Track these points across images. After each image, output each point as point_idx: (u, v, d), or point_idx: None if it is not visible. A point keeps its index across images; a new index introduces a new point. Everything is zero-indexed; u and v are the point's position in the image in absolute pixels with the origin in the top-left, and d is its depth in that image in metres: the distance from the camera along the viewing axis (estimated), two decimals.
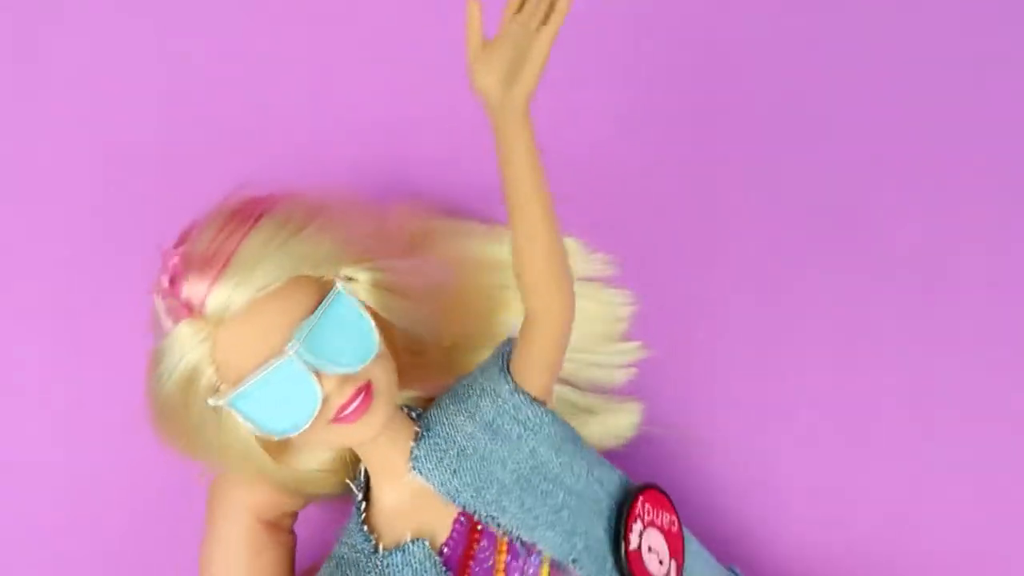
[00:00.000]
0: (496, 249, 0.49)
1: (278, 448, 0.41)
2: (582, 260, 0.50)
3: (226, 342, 0.37)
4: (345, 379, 0.38)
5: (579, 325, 0.45)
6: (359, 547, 0.41)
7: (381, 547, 0.41)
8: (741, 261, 0.55)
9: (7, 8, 0.53)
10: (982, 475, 0.54)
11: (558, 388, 0.49)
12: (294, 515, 0.45)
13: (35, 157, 0.54)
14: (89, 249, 0.53)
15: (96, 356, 0.53)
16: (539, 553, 0.40)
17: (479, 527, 0.41)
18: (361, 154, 0.53)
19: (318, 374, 0.37)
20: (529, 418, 0.42)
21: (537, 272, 0.39)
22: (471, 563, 0.40)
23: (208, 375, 0.37)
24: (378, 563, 0.40)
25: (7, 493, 0.53)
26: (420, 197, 0.51)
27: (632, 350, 0.51)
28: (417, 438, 0.41)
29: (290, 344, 0.36)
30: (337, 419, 0.38)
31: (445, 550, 0.40)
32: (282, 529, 0.44)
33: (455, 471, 0.41)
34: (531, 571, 0.40)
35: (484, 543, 0.40)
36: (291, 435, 0.37)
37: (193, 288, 0.36)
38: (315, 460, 0.43)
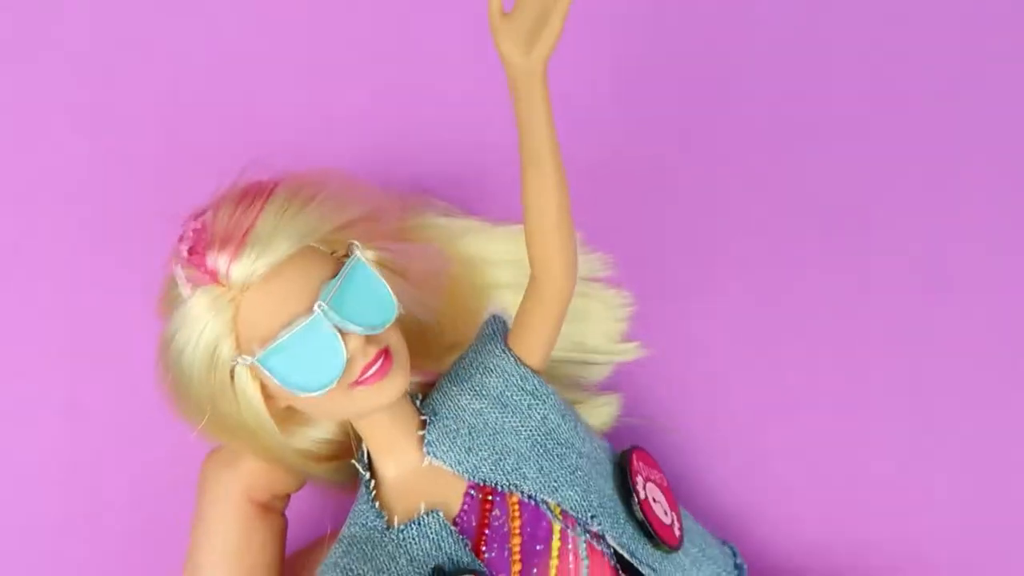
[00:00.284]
0: (491, 247, 0.49)
1: (286, 423, 0.42)
2: (582, 259, 0.50)
3: (249, 307, 0.38)
4: (368, 341, 0.38)
5: (580, 324, 0.48)
6: (371, 524, 0.41)
7: (395, 521, 0.40)
8: (741, 261, 0.55)
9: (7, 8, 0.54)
10: (982, 473, 0.54)
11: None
12: (286, 498, 0.45)
13: (34, 153, 0.54)
14: (88, 247, 0.53)
15: (96, 354, 0.53)
16: (551, 513, 0.41)
17: (491, 496, 0.41)
18: (357, 148, 0.54)
19: (343, 334, 0.38)
20: (536, 388, 0.43)
21: (547, 231, 0.40)
22: (486, 531, 0.40)
23: (231, 341, 0.38)
24: (394, 537, 0.40)
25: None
26: (418, 190, 0.52)
27: (631, 350, 0.51)
28: (425, 424, 0.42)
29: (317, 304, 0.37)
30: (359, 381, 0.39)
31: (460, 520, 0.40)
32: (273, 511, 0.44)
33: (469, 449, 0.41)
34: (544, 534, 0.40)
35: (497, 511, 0.41)
36: (317, 394, 0.38)
37: (216, 258, 0.37)
38: (321, 434, 0.44)
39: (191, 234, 0.38)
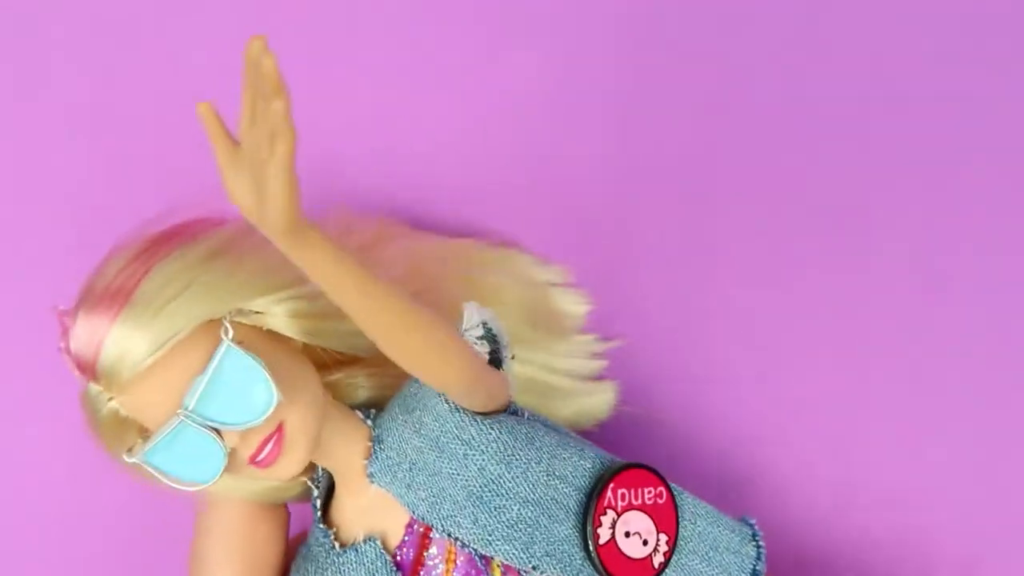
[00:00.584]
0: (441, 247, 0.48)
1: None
2: (539, 270, 0.50)
3: (130, 403, 0.37)
4: (249, 431, 0.36)
5: (540, 325, 0.47)
6: (320, 541, 0.42)
7: (337, 544, 0.41)
8: (741, 261, 0.54)
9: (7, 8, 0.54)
10: (982, 472, 0.53)
11: (534, 372, 0.48)
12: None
13: (34, 153, 0.54)
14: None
15: None
16: (486, 563, 0.39)
17: (431, 534, 0.40)
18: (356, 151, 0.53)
19: (218, 431, 0.36)
20: (473, 437, 0.39)
21: (414, 363, 0.36)
22: (420, 569, 0.40)
23: (127, 428, 0.38)
24: (335, 559, 0.41)
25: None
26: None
27: (589, 342, 0.51)
28: (371, 452, 0.40)
29: (180, 410, 0.36)
30: (252, 463, 0.37)
31: (399, 552, 0.40)
32: (276, 510, 0.45)
33: (409, 485, 0.40)
34: None
35: (433, 550, 0.40)
36: (207, 487, 0.37)
37: (83, 362, 0.36)
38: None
39: (62, 335, 0.37)
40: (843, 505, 0.53)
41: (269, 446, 0.37)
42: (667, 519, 0.41)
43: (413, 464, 0.40)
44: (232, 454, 0.37)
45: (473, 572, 0.40)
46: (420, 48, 0.53)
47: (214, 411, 0.35)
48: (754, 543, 0.44)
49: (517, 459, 0.40)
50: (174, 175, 0.52)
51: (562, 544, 0.39)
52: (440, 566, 0.40)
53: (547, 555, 0.39)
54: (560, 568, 0.39)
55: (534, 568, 0.39)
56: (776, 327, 0.53)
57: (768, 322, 0.53)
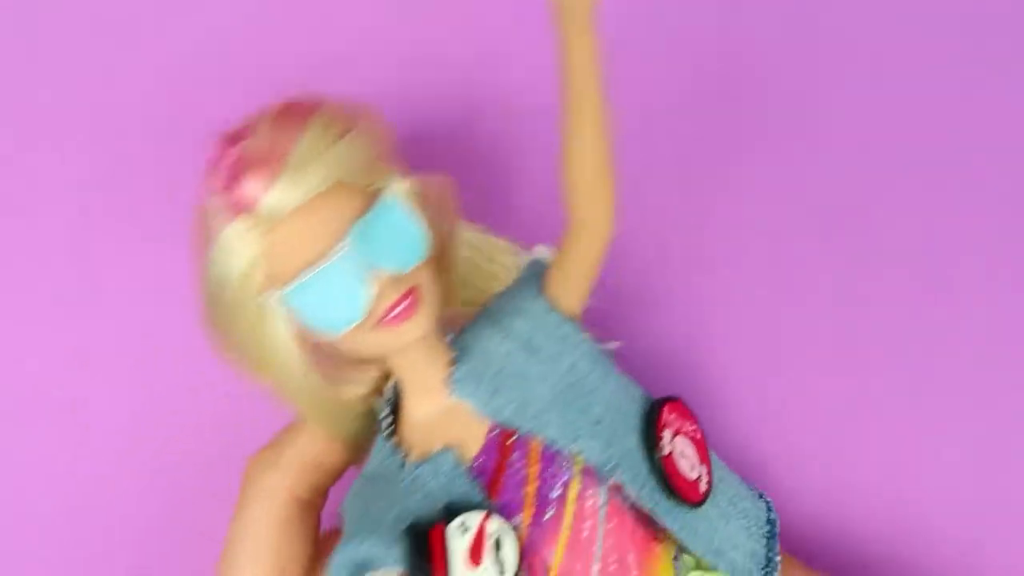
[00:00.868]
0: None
1: (327, 374, 0.42)
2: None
3: (281, 240, 0.37)
4: (394, 280, 0.38)
5: None
6: (387, 461, 0.41)
7: (413, 458, 0.41)
8: (742, 261, 0.55)
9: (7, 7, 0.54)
10: (983, 472, 0.54)
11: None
12: (325, 495, 0.46)
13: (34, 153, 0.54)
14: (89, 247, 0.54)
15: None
16: (571, 462, 0.40)
17: (510, 440, 0.41)
18: None
19: (369, 272, 0.37)
20: (568, 334, 0.42)
21: (585, 178, 0.39)
22: (503, 474, 0.40)
23: (262, 274, 0.38)
24: (408, 473, 0.40)
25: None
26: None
27: None
28: (454, 361, 0.42)
29: (343, 242, 0.37)
30: (384, 321, 0.38)
31: (478, 461, 0.40)
32: (313, 508, 0.45)
33: (495, 390, 0.41)
34: (562, 480, 0.40)
35: (516, 454, 0.40)
36: (341, 332, 0.38)
37: (250, 187, 0.36)
38: (361, 388, 0.43)
39: (224, 165, 0.37)
40: (842, 506, 0.54)
41: (406, 302, 0.38)
42: (704, 454, 0.44)
43: (500, 370, 0.41)
44: (365, 317, 0.37)
45: (557, 473, 0.40)
46: (420, 47, 0.55)
47: (373, 250, 0.37)
48: (763, 500, 0.48)
49: (600, 363, 0.43)
50: (174, 175, 0.51)
51: (631, 453, 0.41)
52: (523, 470, 0.40)
53: (622, 458, 0.41)
54: (631, 476, 0.41)
55: (611, 469, 0.40)
56: (775, 327, 0.55)
57: (767, 322, 0.55)
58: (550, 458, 0.40)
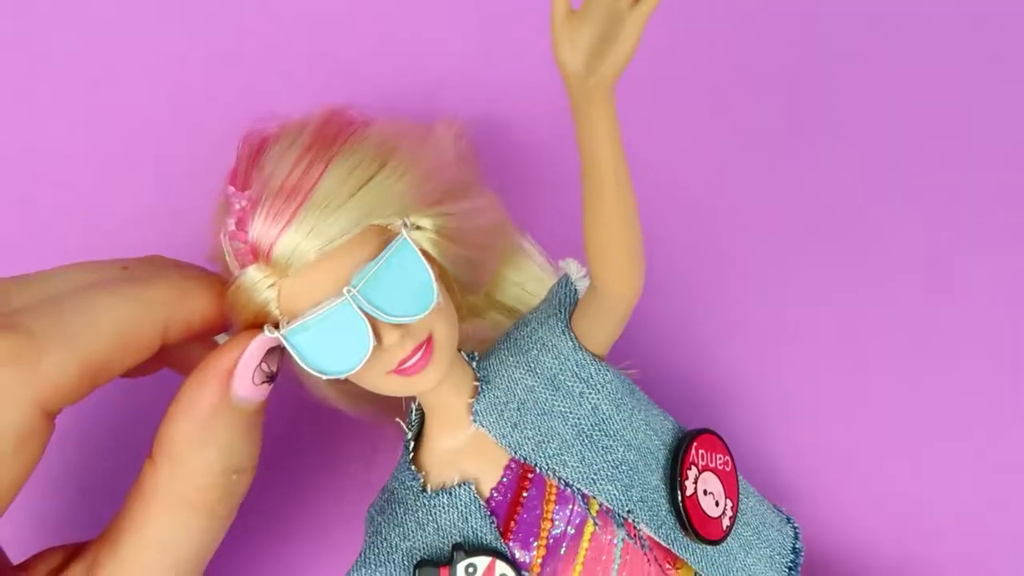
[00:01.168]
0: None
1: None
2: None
3: (292, 287, 0.36)
4: (406, 333, 0.37)
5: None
6: (407, 484, 0.41)
7: (429, 487, 0.40)
8: (742, 261, 0.55)
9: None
10: (984, 475, 0.54)
11: None
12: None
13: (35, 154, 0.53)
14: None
15: None
16: (586, 502, 0.40)
17: (529, 475, 0.40)
18: None
19: (374, 323, 0.36)
20: (592, 376, 0.41)
21: (604, 251, 0.37)
22: (519, 509, 0.40)
23: (277, 307, 0.36)
24: (425, 502, 0.40)
25: None
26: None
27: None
28: (477, 391, 0.41)
29: (347, 288, 0.35)
30: (398, 371, 0.37)
31: (495, 495, 0.40)
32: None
33: (515, 424, 0.40)
34: (578, 520, 0.40)
35: (533, 491, 0.40)
36: (339, 377, 0.36)
37: (264, 235, 0.35)
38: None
39: (238, 208, 0.35)
40: (842, 508, 0.54)
41: (419, 354, 0.37)
42: (731, 487, 0.43)
43: (522, 404, 0.40)
44: (374, 364, 0.36)
45: (573, 512, 0.40)
46: (420, 45, 0.53)
47: (378, 298, 0.35)
48: (791, 525, 0.47)
49: (625, 404, 0.41)
50: (173, 174, 0.52)
51: (652, 493, 0.41)
52: (539, 508, 0.40)
53: (641, 500, 0.40)
54: (649, 516, 0.40)
55: (628, 513, 0.40)
56: (775, 328, 0.54)
57: (767, 323, 0.54)
58: (566, 498, 0.40)
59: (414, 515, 0.40)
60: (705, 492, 0.42)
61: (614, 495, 0.39)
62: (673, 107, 0.55)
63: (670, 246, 0.55)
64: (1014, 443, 0.54)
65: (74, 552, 0.37)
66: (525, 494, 0.40)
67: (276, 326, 0.36)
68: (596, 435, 0.40)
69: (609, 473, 0.40)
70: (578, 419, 0.40)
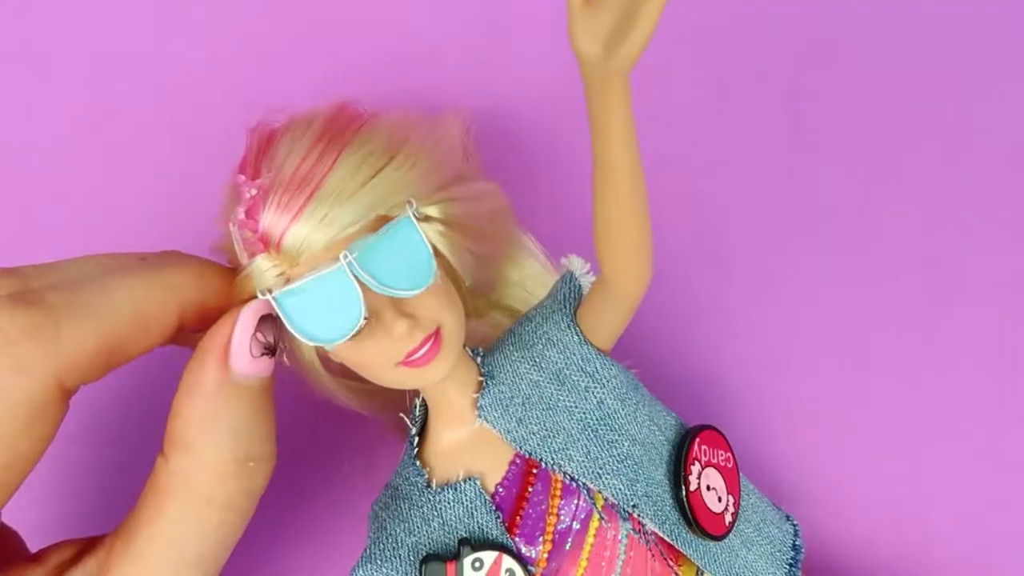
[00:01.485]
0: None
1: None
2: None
3: (298, 272, 0.35)
4: (415, 324, 0.37)
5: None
6: (411, 480, 0.41)
7: (434, 482, 0.40)
8: (743, 261, 0.55)
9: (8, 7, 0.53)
10: (984, 476, 0.54)
11: None
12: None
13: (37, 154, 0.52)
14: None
15: None
16: (592, 497, 0.40)
17: (534, 470, 0.40)
18: None
19: (381, 309, 0.36)
20: (597, 370, 0.41)
21: (615, 239, 0.37)
22: (524, 504, 0.40)
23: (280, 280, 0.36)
24: (430, 498, 0.40)
25: None
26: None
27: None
28: (482, 386, 0.41)
29: (343, 254, 0.35)
30: (406, 362, 0.37)
31: (500, 490, 0.40)
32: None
33: (520, 419, 0.40)
34: (583, 515, 0.40)
35: (538, 486, 0.40)
36: (325, 345, 0.36)
37: (274, 225, 0.35)
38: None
39: (248, 197, 0.35)
40: (842, 508, 0.54)
41: (428, 345, 0.37)
42: (733, 483, 0.44)
43: (527, 399, 0.40)
44: (382, 354, 0.37)
45: (578, 507, 0.40)
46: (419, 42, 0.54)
47: (374, 267, 0.35)
48: (790, 523, 0.47)
49: (629, 399, 0.41)
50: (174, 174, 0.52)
51: (657, 488, 0.41)
52: (544, 503, 0.40)
53: (646, 495, 0.40)
54: (653, 511, 0.40)
55: (633, 507, 0.40)
56: (775, 328, 0.55)
57: (767, 323, 0.55)
58: (572, 492, 0.40)
59: (419, 510, 0.40)
60: (708, 488, 0.42)
61: (619, 489, 0.40)
62: (674, 107, 0.56)
63: (670, 246, 0.54)
64: (1014, 443, 0.54)
65: (88, 546, 0.36)
66: (530, 489, 0.40)
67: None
68: (601, 430, 0.40)
69: (614, 468, 0.40)
70: (583, 414, 0.40)
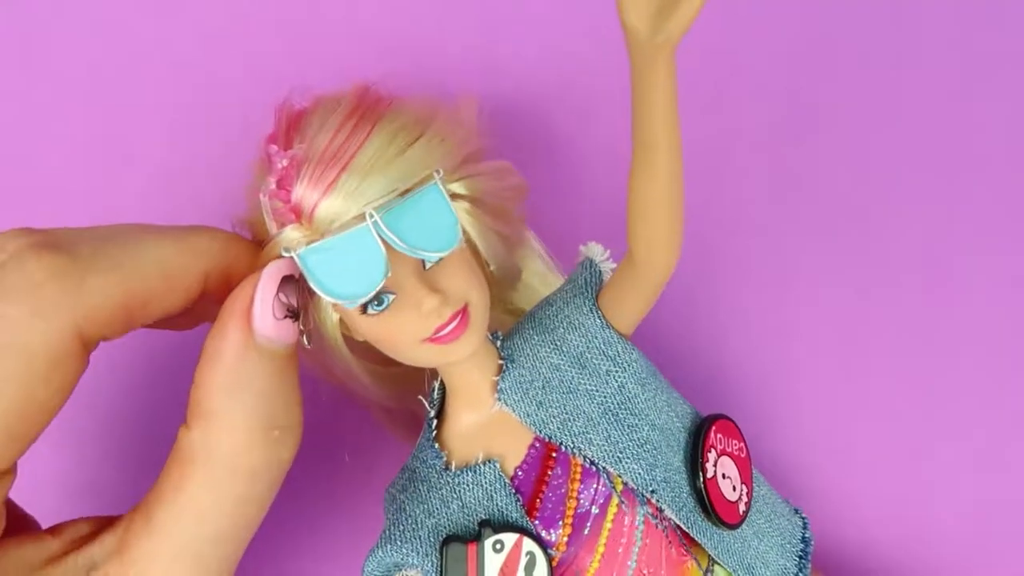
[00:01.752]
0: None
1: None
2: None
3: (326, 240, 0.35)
4: (444, 300, 0.37)
5: None
6: (430, 463, 0.41)
7: (453, 465, 0.40)
8: (744, 262, 0.55)
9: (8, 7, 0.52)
10: (984, 477, 0.54)
11: None
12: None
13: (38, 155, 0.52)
14: None
15: None
16: (612, 481, 0.40)
17: (554, 454, 0.40)
18: None
19: (412, 285, 0.36)
20: (619, 354, 0.41)
21: (651, 216, 0.37)
22: (544, 488, 0.40)
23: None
24: (449, 480, 0.40)
25: None
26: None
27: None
28: (501, 369, 0.41)
29: (369, 212, 0.35)
30: (432, 339, 0.37)
31: (519, 474, 0.40)
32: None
33: (540, 403, 0.40)
34: (602, 500, 0.40)
35: (558, 470, 0.40)
36: (345, 304, 0.36)
37: (306, 196, 0.35)
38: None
39: (280, 168, 0.35)
40: (841, 508, 0.54)
41: (456, 321, 0.37)
42: (746, 473, 0.44)
43: (547, 382, 0.40)
44: (411, 330, 0.36)
45: (598, 491, 0.40)
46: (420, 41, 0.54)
47: (399, 229, 0.35)
48: (799, 516, 0.48)
49: (649, 384, 0.42)
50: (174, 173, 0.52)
51: (675, 474, 0.41)
52: (564, 486, 0.40)
53: (664, 480, 0.40)
54: (671, 497, 0.40)
55: (652, 493, 0.40)
56: (775, 328, 0.55)
57: (767, 323, 0.55)
58: (591, 476, 0.40)
59: (438, 492, 0.40)
60: (724, 476, 0.42)
61: (639, 474, 0.40)
62: (684, 106, 0.56)
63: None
64: (1014, 443, 0.54)
65: (106, 523, 0.36)
66: (550, 473, 0.40)
67: None
68: (622, 414, 0.40)
69: (634, 452, 0.40)
70: (604, 397, 0.40)
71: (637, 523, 0.40)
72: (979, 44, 0.55)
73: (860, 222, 0.55)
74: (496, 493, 0.39)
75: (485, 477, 0.39)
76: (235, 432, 0.33)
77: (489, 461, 0.39)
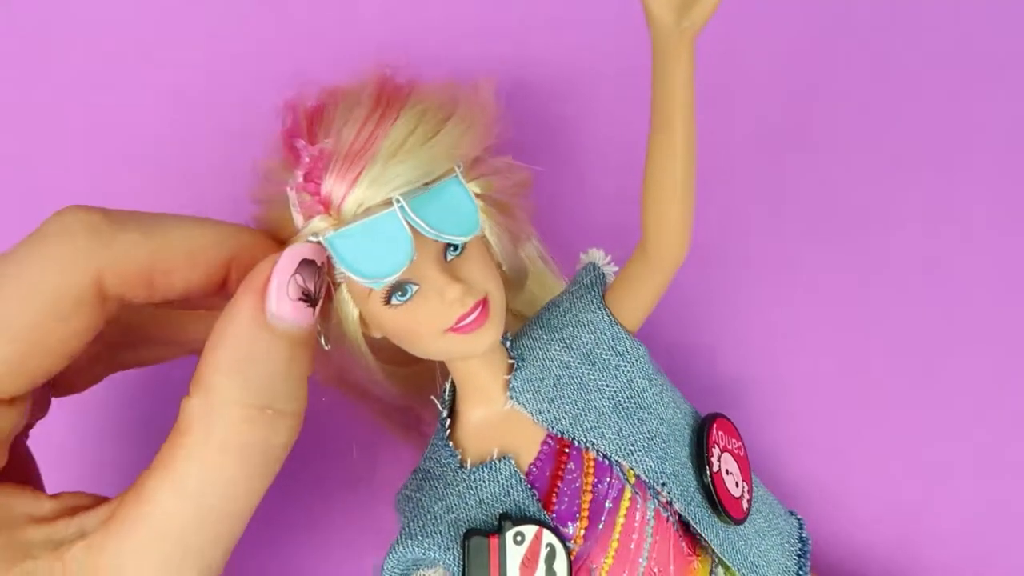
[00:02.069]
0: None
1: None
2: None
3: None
4: (468, 290, 0.37)
5: None
6: (444, 462, 0.41)
7: (467, 463, 0.40)
8: (742, 262, 0.55)
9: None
10: (983, 477, 0.54)
11: None
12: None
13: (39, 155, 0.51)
14: None
15: None
16: (624, 474, 0.40)
17: (567, 450, 0.41)
18: None
19: (435, 274, 0.37)
20: (627, 349, 0.42)
21: (666, 199, 0.38)
22: (559, 483, 0.40)
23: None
24: (465, 477, 0.40)
25: None
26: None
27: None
28: (512, 368, 0.41)
29: (395, 198, 0.36)
30: (455, 328, 0.38)
31: (533, 470, 0.40)
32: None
33: (552, 400, 0.41)
34: (615, 494, 0.40)
35: (572, 465, 0.40)
36: (374, 285, 0.36)
37: (334, 189, 0.36)
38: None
39: (307, 160, 0.36)
40: (841, 509, 0.54)
41: (478, 311, 0.38)
42: (746, 471, 0.45)
43: (558, 379, 0.41)
44: (433, 320, 0.37)
45: (611, 484, 0.40)
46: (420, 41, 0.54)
47: (424, 214, 0.36)
48: (795, 517, 0.49)
49: (656, 379, 0.43)
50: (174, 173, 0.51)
51: (683, 468, 0.42)
52: (579, 480, 0.40)
53: (673, 474, 0.41)
54: (680, 491, 0.41)
55: (663, 485, 0.41)
56: (775, 328, 0.55)
57: (767, 323, 0.55)
58: (604, 469, 0.40)
59: (455, 489, 0.40)
60: (727, 472, 0.43)
61: (649, 466, 0.40)
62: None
63: None
64: (1013, 443, 0.54)
65: (106, 500, 0.35)
66: (564, 468, 0.40)
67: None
68: (632, 407, 0.41)
69: (645, 445, 0.41)
70: (614, 392, 0.41)
71: (648, 518, 0.41)
72: (979, 44, 0.56)
73: (860, 222, 0.55)
74: (512, 488, 0.39)
75: (501, 473, 0.40)
76: (230, 406, 0.33)
77: (504, 457, 0.40)
